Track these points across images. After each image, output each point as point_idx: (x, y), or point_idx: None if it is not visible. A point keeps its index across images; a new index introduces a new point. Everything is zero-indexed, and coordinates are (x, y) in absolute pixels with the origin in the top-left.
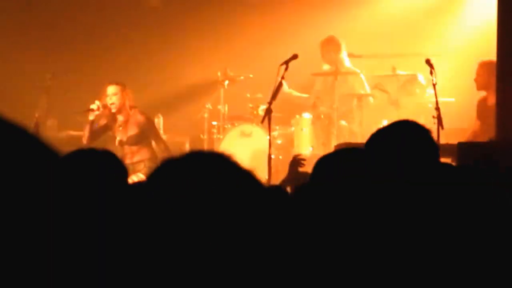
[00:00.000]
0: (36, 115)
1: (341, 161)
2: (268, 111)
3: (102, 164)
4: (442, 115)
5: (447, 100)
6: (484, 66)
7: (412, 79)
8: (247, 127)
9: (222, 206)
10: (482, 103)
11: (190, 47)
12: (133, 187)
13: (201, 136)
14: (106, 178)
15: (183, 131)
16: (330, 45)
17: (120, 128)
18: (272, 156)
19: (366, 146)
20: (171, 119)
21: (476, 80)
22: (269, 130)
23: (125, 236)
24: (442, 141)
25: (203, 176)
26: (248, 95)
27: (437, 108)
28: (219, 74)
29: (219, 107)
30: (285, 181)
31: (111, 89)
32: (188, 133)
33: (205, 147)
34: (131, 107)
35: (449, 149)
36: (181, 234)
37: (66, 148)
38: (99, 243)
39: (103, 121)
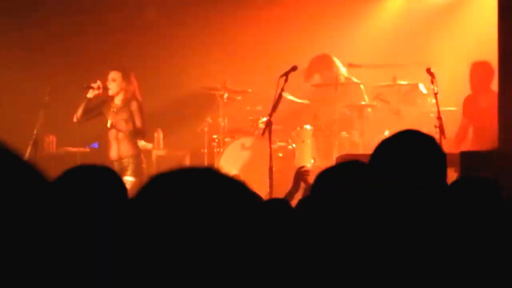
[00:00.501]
0: (35, 131)
1: (342, 174)
2: (269, 124)
3: (101, 181)
4: (444, 125)
5: (449, 109)
6: (478, 67)
7: (413, 88)
8: (248, 140)
9: (215, 220)
10: (471, 103)
11: (189, 61)
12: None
13: (202, 150)
14: (105, 195)
15: (183, 145)
16: (321, 63)
17: (114, 110)
18: (273, 169)
19: (371, 157)
20: (171, 133)
21: (472, 81)
22: (270, 142)
23: (123, 253)
24: (444, 150)
25: (194, 191)
26: (248, 108)
27: (439, 118)
28: (218, 87)
29: (219, 120)
30: (289, 194)
31: (111, 75)
32: (188, 147)
33: (206, 160)
34: (128, 94)
35: (451, 158)
36: (174, 249)
37: (64, 165)
38: (98, 263)
39: (98, 103)
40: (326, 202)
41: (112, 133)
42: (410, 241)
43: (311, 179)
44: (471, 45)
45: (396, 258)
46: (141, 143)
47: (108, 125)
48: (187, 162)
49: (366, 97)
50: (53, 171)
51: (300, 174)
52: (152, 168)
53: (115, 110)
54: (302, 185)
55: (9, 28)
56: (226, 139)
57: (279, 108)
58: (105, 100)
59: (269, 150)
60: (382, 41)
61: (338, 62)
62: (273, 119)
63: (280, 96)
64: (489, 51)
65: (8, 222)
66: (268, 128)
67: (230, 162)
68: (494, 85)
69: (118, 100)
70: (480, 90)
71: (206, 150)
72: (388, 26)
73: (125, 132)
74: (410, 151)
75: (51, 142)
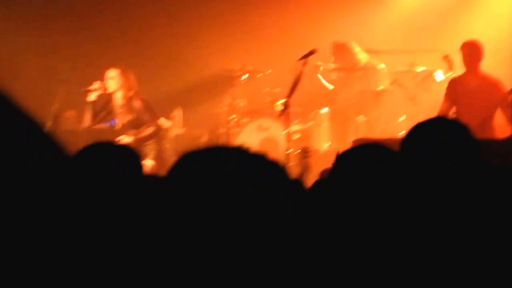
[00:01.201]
0: (55, 107)
1: (362, 157)
2: (286, 106)
3: (119, 158)
4: None
5: None
6: (466, 46)
7: (430, 75)
8: (265, 122)
9: (245, 199)
10: (458, 84)
11: (209, 41)
12: (155, 181)
13: (219, 129)
14: (123, 172)
15: (202, 125)
16: (342, 52)
17: (120, 111)
18: (289, 151)
19: (403, 142)
20: (190, 113)
21: (465, 60)
22: (287, 124)
23: (142, 230)
24: None
25: (229, 168)
26: (267, 90)
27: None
28: (238, 68)
29: (238, 101)
30: (299, 175)
31: (109, 73)
32: (206, 126)
33: (223, 140)
34: (129, 91)
35: None
36: (203, 228)
37: (84, 141)
38: (115, 236)
39: (104, 104)
40: (347, 185)
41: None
42: (428, 231)
43: (325, 162)
44: (490, 33)
45: (412, 245)
46: (161, 121)
47: (119, 127)
48: (205, 141)
49: (387, 81)
50: (72, 146)
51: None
52: (170, 146)
53: (121, 111)
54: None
55: (32, 4)
56: (244, 120)
57: (297, 91)
58: (110, 100)
59: (286, 132)
60: (400, 27)
61: (356, 49)
62: (291, 101)
63: (298, 79)
64: (509, 39)
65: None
66: (285, 110)
67: (247, 143)
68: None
69: (118, 100)
70: (468, 70)
71: (223, 130)
72: (407, 12)
73: (137, 133)
74: (443, 139)
75: (70, 117)
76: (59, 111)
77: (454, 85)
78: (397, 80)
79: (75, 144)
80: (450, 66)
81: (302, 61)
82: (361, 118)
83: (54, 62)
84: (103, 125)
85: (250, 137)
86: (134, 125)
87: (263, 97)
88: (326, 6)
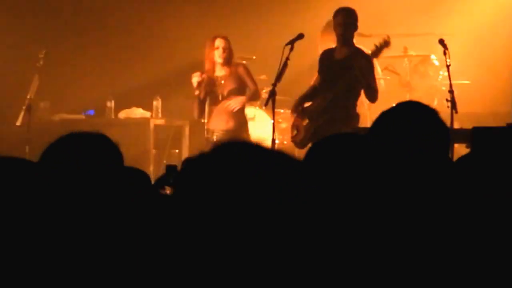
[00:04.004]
0: (28, 96)
1: (335, 147)
2: (272, 94)
3: (95, 148)
4: (456, 98)
5: (462, 83)
6: (343, 15)
7: (425, 60)
8: (250, 111)
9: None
10: (328, 56)
11: (189, 26)
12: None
13: (201, 119)
14: (100, 164)
15: (183, 115)
16: (331, 35)
17: (222, 82)
18: (276, 141)
19: (370, 129)
20: (170, 102)
21: (337, 30)
22: (273, 113)
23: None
24: (456, 125)
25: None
26: None
27: (451, 91)
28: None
29: None
30: None
31: (218, 42)
32: (188, 117)
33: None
34: (233, 61)
35: (463, 134)
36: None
37: (59, 132)
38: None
39: (205, 89)
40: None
41: (221, 105)
42: (409, 221)
43: None
44: (487, 16)
45: (395, 237)
46: (139, 111)
47: (220, 98)
48: (187, 132)
49: (379, 68)
50: (47, 138)
51: None
52: (149, 138)
53: (223, 82)
54: None
55: None
56: None
57: (284, 78)
58: (207, 82)
59: (272, 121)
60: (393, 10)
61: None
62: (277, 89)
63: (285, 65)
64: (506, 21)
65: None
66: (271, 98)
67: None
68: None
69: (220, 71)
70: (340, 42)
71: (206, 120)
72: None
73: (242, 99)
74: (411, 123)
75: (45, 108)
76: (33, 101)
77: (323, 57)
78: (390, 65)
79: (49, 136)
80: (445, 50)
81: (289, 46)
82: None
83: (26, 49)
84: (81, 116)
85: None
86: (235, 94)
87: None
88: None
